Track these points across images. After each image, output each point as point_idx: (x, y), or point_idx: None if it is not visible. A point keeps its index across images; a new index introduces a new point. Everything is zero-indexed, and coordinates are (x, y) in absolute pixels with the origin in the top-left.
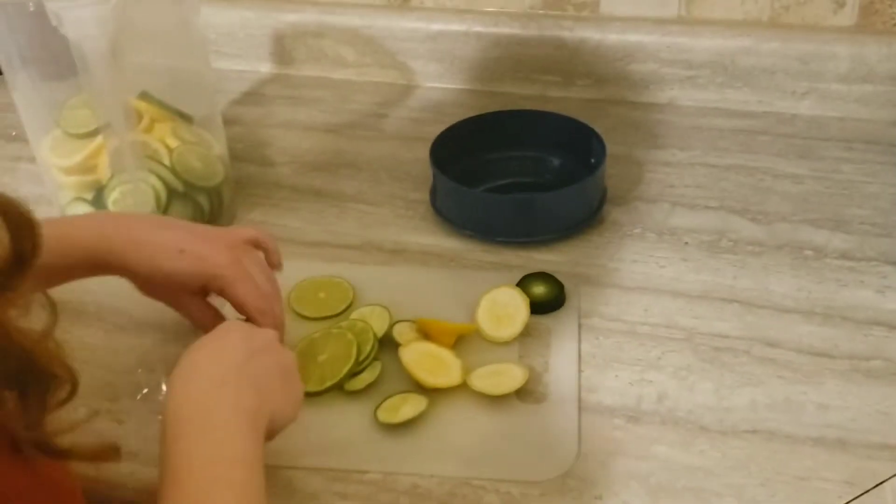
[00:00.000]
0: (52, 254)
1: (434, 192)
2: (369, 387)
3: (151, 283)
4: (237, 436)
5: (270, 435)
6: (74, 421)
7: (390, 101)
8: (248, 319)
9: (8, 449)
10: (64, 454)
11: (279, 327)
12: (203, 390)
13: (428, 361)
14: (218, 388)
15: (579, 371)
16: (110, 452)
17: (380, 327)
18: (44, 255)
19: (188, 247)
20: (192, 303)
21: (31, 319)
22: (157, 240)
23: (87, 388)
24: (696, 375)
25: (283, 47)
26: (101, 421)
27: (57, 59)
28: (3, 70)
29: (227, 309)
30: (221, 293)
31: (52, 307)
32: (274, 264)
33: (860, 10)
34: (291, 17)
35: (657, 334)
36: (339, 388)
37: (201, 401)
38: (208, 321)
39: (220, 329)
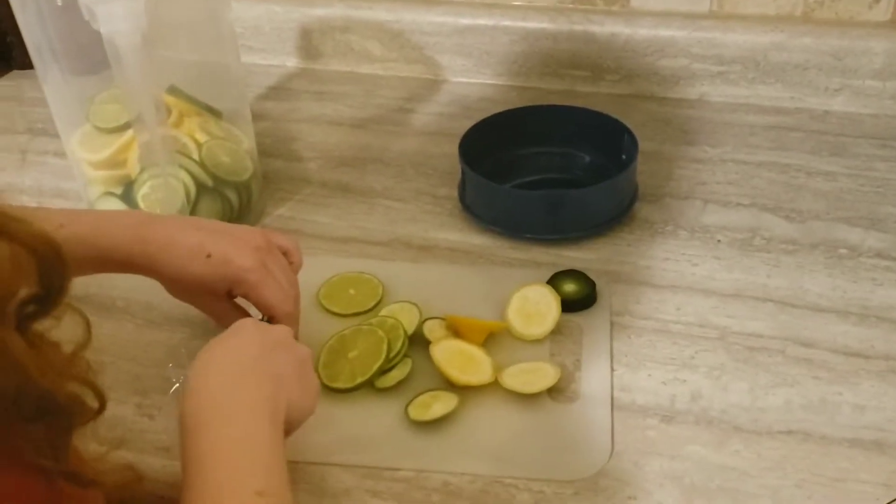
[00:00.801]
0: (88, 245)
1: (462, 188)
2: (400, 384)
3: (179, 286)
4: (259, 426)
5: (289, 429)
6: (100, 451)
7: (417, 96)
8: (271, 321)
9: (32, 463)
10: (90, 483)
11: (297, 328)
12: (220, 385)
13: (459, 359)
14: (235, 382)
15: (612, 370)
16: (134, 482)
17: (410, 324)
18: (79, 246)
19: (214, 250)
20: (220, 305)
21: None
22: (185, 243)
23: (117, 382)
24: (729, 375)
25: (309, 42)
26: (132, 416)
27: (87, 54)
28: (35, 64)
29: (251, 311)
30: (246, 296)
31: (86, 324)
32: (296, 265)
33: None
34: (318, 12)
35: (690, 333)
36: (369, 385)
37: (219, 396)
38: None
39: (234, 327)
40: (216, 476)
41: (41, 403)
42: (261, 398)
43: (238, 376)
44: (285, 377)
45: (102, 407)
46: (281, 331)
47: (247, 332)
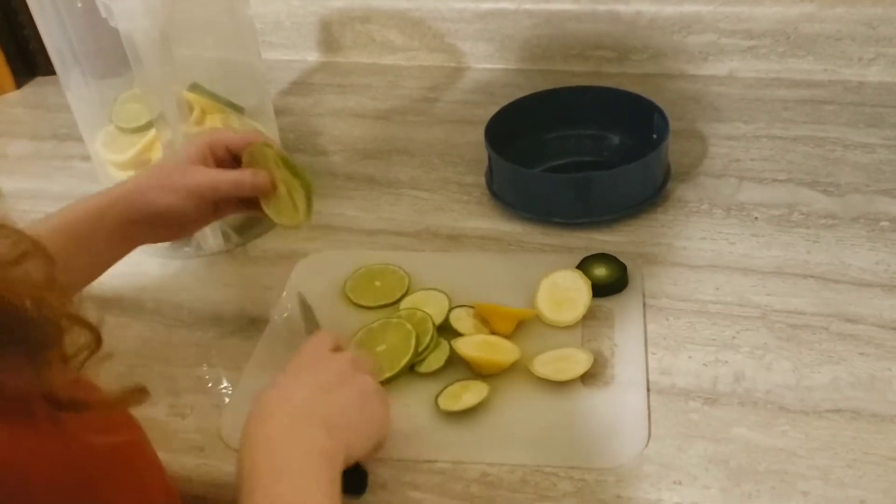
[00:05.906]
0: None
1: (490, 175)
2: (436, 372)
3: (175, 198)
4: (313, 482)
5: (361, 459)
6: (94, 372)
7: (440, 85)
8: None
9: (21, 415)
10: (81, 406)
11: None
12: (275, 437)
13: (484, 347)
14: (289, 434)
15: (646, 353)
16: (136, 396)
17: (438, 314)
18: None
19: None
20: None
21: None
22: (146, 177)
23: (149, 383)
24: (773, 354)
25: (330, 34)
26: (165, 416)
27: (108, 56)
28: (56, 68)
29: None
30: (219, 141)
31: (50, 260)
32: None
33: None
34: (338, 3)
35: (730, 313)
36: (407, 372)
37: (275, 449)
38: (236, 175)
39: (292, 363)
40: None
41: (9, 322)
42: (315, 453)
43: (291, 429)
44: (343, 421)
45: (97, 338)
46: (341, 362)
47: (303, 375)
